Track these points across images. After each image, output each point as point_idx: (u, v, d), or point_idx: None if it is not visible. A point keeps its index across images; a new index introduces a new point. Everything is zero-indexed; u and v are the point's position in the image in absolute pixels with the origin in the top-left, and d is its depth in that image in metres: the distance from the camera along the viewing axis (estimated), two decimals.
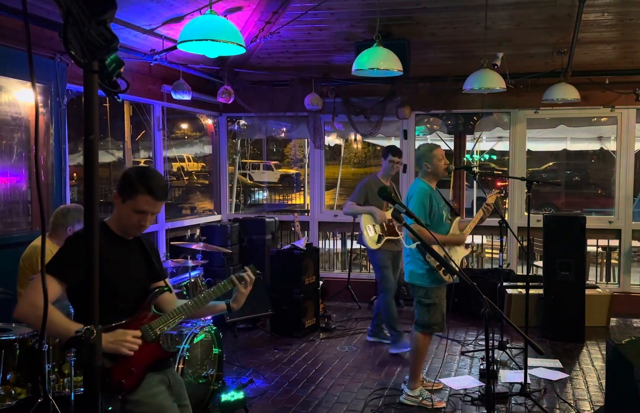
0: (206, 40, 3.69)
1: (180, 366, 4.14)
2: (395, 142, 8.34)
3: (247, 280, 2.78)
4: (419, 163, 4.65)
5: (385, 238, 5.78)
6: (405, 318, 7.10)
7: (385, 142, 14.82)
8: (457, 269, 3.04)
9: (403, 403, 4.62)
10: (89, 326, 1.41)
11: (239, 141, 13.96)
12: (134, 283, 2.69)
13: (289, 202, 21.35)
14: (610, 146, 10.92)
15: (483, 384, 4.98)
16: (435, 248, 3.92)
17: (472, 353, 5.86)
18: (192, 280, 5.02)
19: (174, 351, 2.82)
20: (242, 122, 9.12)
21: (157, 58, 6.02)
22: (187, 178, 21.04)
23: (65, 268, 2.43)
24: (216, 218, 8.65)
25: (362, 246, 6.15)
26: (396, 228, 5.81)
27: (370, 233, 5.80)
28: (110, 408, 2.50)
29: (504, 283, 6.81)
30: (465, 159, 8.63)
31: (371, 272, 8.87)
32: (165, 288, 2.77)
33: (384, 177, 5.98)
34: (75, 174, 11.24)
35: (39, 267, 4.23)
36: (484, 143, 14.11)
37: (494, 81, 5.66)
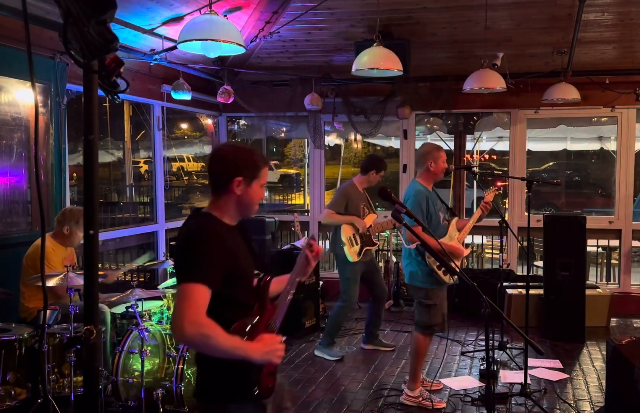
0: (206, 40, 3.69)
1: (180, 366, 4.15)
2: (395, 143, 8.34)
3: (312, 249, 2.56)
4: (423, 159, 4.56)
5: (365, 248, 5.61)
6: (405, 318, 7.10)
7: (385, 142, 14.82)
8: (457, 269, 3.04)
9: (403, 404, 4.62)
10: (89, 327, 1.41)
11: (239, 141, 13.96)
12: (250, 272, 2.45)
13: (289, 202, 21.34)
14: (611, 146, 10.92)
15: (483, 384, 4.97)
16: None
17: (472, 353, 5.86)
18: None
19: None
20: (242, 122, 9.12)
21: (157, 58, 6.02)
22: (187, 178, 21.05)
23: (208, 271, 2.20)
24: None
25: (333, 253, 5.81)
26: (372, 238, 5.67)
27: (352, 245, 5.56)
28: None
29: (504, 283, 6.80)
30: (466, 157, 8.62)
31: None
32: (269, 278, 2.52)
33: (361, 185, 5.73)
34: (75, 174, 11.23)
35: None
36: (484, 143, 14.11)
37: (494, 81, 5.66)
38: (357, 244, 5.58)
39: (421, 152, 4.65)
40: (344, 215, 5.57)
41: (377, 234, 5.76)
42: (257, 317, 2.36)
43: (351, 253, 5.54)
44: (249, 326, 2.30)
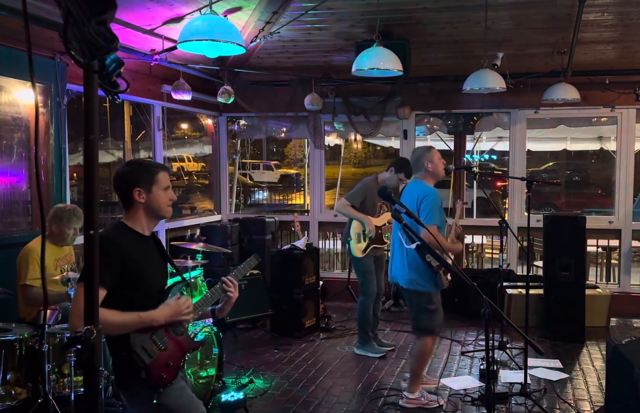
0: (206, 40, 3.69)
1: None
2: (395, 143, 8.33)
3: (230, 284, 2.80)
4: (419, 163, 4.55)
5: (372, 246, 5.66)
6: (406, 318, 7.08)
7: (385, 143, 14.80)
8: (458, 270, 3.04)
9: (403, 407, 4.59)
10: (89, 326, 1.41)
11: (239, 141, 13.95)
12: (157, 281, 2.71)
13: (289, 202, 21.36)
14: (610, 146, 10.94)
15: (483, 384, 4.97)
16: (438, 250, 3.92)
17: (472, 353, 5.86)
18: (192, 280, 5.02)
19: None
20: (242, 122, 9.12)
21: (157, 58, 6.02)
22: (187, 178, 21.05)
23: (103, 273, 2.41)
24: (216, 218, 8.65)
25: (344, 244, 5.96)
26: (382, 237, 5.72)
27: (359, 241, 5.64)
28: (154, 401, 2.56)
29: (504, 283, 6.80)
30: (465, 159, 8.62)
31: None
32: (187, 280, 2.83)
33: (382, 182, 5.75)
34: (75, 174, 11.22)
35: (26, 271, 4.22)
36: (484, 143, 14.12)
37: (494, 81, 5.66)
38: (364, 242, 5.64)
39: (415, 158, 4.63)
40: (357, 211, 5.60)
41: (388, 234, 5.78)
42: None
43: (356, 248, 5.63)
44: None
